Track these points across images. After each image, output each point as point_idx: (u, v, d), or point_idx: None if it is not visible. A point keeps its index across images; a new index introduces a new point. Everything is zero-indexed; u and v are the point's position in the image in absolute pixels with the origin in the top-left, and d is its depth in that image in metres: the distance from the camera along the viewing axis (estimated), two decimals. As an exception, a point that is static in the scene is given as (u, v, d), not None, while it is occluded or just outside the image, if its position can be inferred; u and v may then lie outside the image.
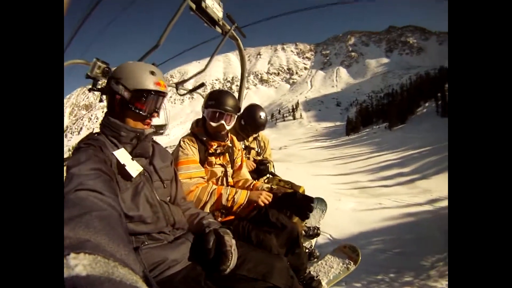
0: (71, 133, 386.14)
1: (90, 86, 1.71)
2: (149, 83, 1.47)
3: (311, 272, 2.61)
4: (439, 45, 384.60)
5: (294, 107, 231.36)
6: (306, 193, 2.90)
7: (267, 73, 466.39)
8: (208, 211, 2.06)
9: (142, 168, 1.48)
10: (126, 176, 1.40)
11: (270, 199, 2.18)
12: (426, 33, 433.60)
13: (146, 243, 1.38)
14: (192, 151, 2.25)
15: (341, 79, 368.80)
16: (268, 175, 3.60)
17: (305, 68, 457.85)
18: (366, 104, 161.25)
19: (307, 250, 3.08)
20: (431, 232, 6.28)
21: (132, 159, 1.47)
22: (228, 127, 2.34)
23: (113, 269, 0.60)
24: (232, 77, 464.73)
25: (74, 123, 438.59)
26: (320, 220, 3.77)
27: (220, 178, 2.43)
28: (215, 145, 2.35)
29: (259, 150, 3.75)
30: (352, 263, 2.79)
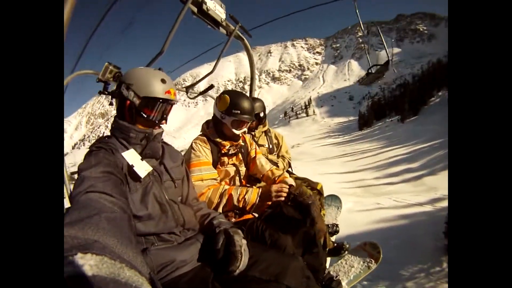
0: (89, 142, 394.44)
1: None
2: (159, 91, 1.49)
3: (331, 272, 2.58)
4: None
5: (307, 103, 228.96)
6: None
7: (279, 70, 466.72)
8: (221, 212, 2.05)
9: (151, 168, 1.48)
10: (136, 177, 1.40)
11: (285, 193, 2.11)
12: (436, 19, 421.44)
13: (156, 244, 1.38)
14: (204, 153, 2.24)
15: (353, 72, 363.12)
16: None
17: (316, 63, 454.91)
18: (378, 96, 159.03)
19: (335, 245, 2.96)
20: (421, 239, 5.91)
21: (142, 159, 1.47)
22: (245, 132, 2.45)
23: (119, 270, 0.61)
24: (244, 77, 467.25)
25: (91, 132, 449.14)
26: (336, 216, 3.74)
27: (233, 177, 2.42)
28: (227, 145, 2.34)
29: (270, 146, 3.52)
30: (373, 261, 2.72)
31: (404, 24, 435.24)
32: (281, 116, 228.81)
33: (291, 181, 2.30)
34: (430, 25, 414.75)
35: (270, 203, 2.25)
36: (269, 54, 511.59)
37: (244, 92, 2.38)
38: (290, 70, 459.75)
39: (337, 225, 3.44)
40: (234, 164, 2.43)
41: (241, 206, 2.10)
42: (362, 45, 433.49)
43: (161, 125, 1.62)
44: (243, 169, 2.51)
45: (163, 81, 1.52)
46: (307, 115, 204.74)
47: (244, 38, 3.24)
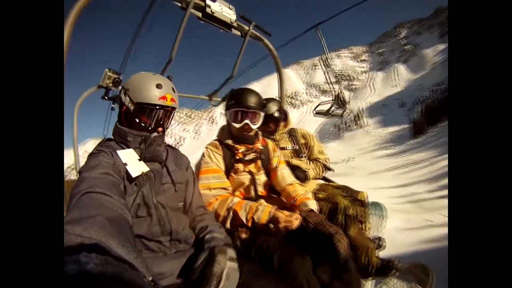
0: None
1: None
2: (153, 97, 1.44)
3: None
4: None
5: (358, 114, 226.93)
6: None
7: (326, 83, 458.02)
8: (229, 227, 1.81)
9: (148, 169, 1.43)
10: (132, 178, 1.37)
11: (295, 226, 1.67)
12: None
13: (142, 252, 1.32)
14: (215, 159, 2.05)
15: (401, 76, 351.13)
16: (315, 180, 2.92)
17: (364, 72, 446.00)
18: (430, 100, 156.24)
19: (383, 262, 2.32)
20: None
21: (140, 160, 1.46)
22: (254, 127, 2.08)
23: (123, 270, 0.62)
24: (293, 92, 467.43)
25: None
26: (381, 228, 2.99)
27: (247, 187, 2.09)
28: (241, 148, 2.09)
29: (296, 147, 2.96)
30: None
31: (444, 17, 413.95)
32: (331, 129, 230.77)
33: (313, 204, 1.99)
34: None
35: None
36: (314, 67, 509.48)
37: (249, 88, 2.16)
38: (338, 81, 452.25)
39: (380, 239, 2.75)
40: (249, 172, 2.12)
41: (250, 225, 1.79)
42: (407, 47, 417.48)
43: (164, 131, 1.59)
44: (261, 178, 2.16)
45: (158, 86, 1.47)
46: (360, 127, 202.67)
47: (264, 38, 3.06)
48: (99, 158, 1.30)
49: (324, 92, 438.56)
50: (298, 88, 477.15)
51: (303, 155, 2.96)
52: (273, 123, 2.90)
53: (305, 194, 2.12)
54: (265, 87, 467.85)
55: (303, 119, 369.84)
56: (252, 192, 2.09)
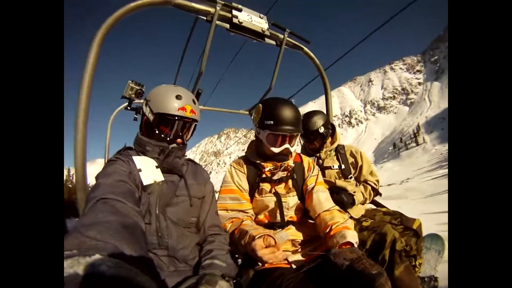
0: None
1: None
2: (172, 108, 1.45)
3: None
4: None
5: (415, 131, 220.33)
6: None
7: (383, 99, 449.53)
8: (243, 251, 1.64)
9: (162, 179, 1.44)
10: (145, 187, 1.37)
11: (278, 260, 1.46)
12: None
13: None
14: (237, 178, 1.88)
15: None
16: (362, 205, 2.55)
17: (419, 83, 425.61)
18: None
19: None
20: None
21: (157, 167, 1.47)
22: (293, 149, 1.86)
23: (135, 275, 0.62)
24: (350, 111, 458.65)
25: (205, 167, 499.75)
26: (436, 265, 2.70)
27: (273, 211, 1.83)
28: (268, 166, 1.84)
29: (343, 167, 2.60)
30: None
31: None
32: (390, 148, 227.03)
33: (353, 236, 1.54)
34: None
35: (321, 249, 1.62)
36: (370, 83, 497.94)
37: (287, 99, 1.87)
38: (394, 96, 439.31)
39: (436, 279, 2.53)
40: (276, 193, 1.84)
41: (246, 251, 1.56)
42: None
43: (178, 142, 1.56)
44: (290, 201, 1.87)
45: (178, 97, 1.48)
46: (417, 144, 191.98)
47: (303, 47, 2.85)
48: (116, 166, 1.34)
49: (380, 108, 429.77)
50: (355, 106, 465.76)
51: (351, 176, 2.61)
52: (319, 139, 2.66)
53: (344, 222, 1.68)
54: (321, 106, 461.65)
55: (360, 138, 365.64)
56: (278, 217, 1.83)
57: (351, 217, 2.31)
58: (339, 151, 2.73)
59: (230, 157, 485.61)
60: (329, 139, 2.75)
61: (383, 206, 2.68)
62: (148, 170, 1.42)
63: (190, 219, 1.54)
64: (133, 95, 1.90)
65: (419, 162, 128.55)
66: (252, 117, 2.00)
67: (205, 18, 2.18)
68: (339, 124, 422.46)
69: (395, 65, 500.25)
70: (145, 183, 1.37)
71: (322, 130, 2.59)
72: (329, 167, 2.64)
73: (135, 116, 1.81)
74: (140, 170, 1.39)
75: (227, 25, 2.29)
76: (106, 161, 2.64)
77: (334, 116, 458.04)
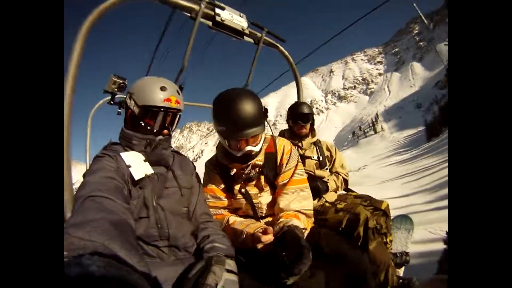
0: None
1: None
2: (157, 99, 1.45)
3: None
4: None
5: (374, 119, 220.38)
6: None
7: (344, 88, 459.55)
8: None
9: (152, 171, 1.44)
10: (136, 181, 1.38)
11: (268, 241, 1.49)
12: None
13: None
14: (212, 177, 1.90)
15: (417, 75, 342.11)
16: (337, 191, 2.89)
17: (380, 74, 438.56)
18: (445, 100, 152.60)
19: (400, 282, 2.23)
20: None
21: (145, 161, 1.47)
22: (258, 148, 1.72)
23: (126, 273, 0.62)
24: (311, 101, 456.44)
25: None
26: (407, 242, 3.10)
27: (246, 210, 1.88)
28: (235, 168, 1.83)
29: (321, 159, 2.95)
30: None
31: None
32: (350, 136, 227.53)
33: (299, 223, 1.60)
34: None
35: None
36: (331, 74, 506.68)
37: (239, 90, 1.69)
38: (354, 86, 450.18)
39: (407, 254, 2.77)
40: (245, 193, 1.84)
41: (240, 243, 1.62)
42: (421, 44, 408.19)
43: (170, 134, 1.58)
44: (263, 200, 1.86)
45: (162, 88, 1.48)
46: (375, 132, 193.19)
47: (278, 45, 2.99)
48: (102, 162, 1.33)
49: (341, 98, 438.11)
50: (316, 96, 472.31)
51: (327, 168, 3.01)
52: (309, 124, 3.02)
53: (295, 219, 1.67)
54: (283, 97, 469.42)
55: (321, 126, 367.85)
56: (253, 214, 1.87)
57: (326, 202, 2.65)
58: (317, 145, 3.10)
59: (193, 151, 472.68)
60: (311, 133, 3.09)
61: (353, 191, 3.02)
62: (137, 164, 1.43)
63: (181, 209, 1.58)
64: (116, 89, 1.87)
65: (377, 149, 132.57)
66: None
67: (189, 14, 2.25)
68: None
69: (356, 56, 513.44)
70: (136, 178, 1.39)
71: (306, 110, 2.98)
72: (310, 157, 2.97)
73: (119, 110, 1.74)
74: (129, 166, 1.39)
75: (210, 23, 2.37)
76: (88, 160, 3.09)
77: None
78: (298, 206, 1.79)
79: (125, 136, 1.54)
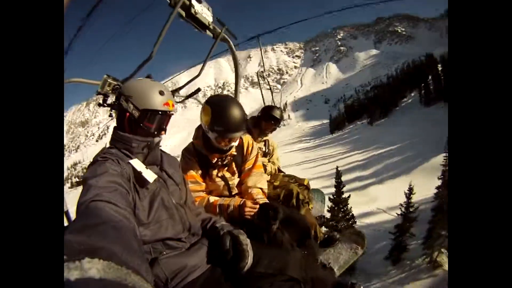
0: (69, 152, 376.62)
1: (100, 102, 1.72)
2: (158, 104, 1.50)
3: (322, 261, 2.76)
4: (428, 31, 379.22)
5: (282, 108, 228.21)
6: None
7: (259, 76, 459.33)
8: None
9: (156, 176, 1.50)
10: (143, 183, 1.44)
11: (254, 211, 2.09)
12: (414, 20, 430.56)
13: (164, 252, 1.41)
14: (191, 165, 2.21)
15: (330, 75, 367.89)
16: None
17: (295, 67, 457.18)
18: (353, 99, 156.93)
19: (326, 236, 3.19)
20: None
21: (146, 167, 1.49)
22: (236, 143, 2.23)
23: (126, 275, 0.61)
24: (223, 83, 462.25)
25: (71, 141, 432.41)
26: (323, 209, 4.10)
27: (222, 190, 2.35)
28: (215, 157, 2.24)
29: (266, 150, 3.78)
30: (359, 247, 2.95)
31: (383, 26, 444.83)
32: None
33: (262, 200, 2.28)
34: (408, 27, 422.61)
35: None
36: (248, 59, 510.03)
37: (231, 98, 2.14)
38: (269, 74, 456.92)
39: (324, 217, 3.96)
40: (223, 177, 2.33)
41: (228, 219, 2.01)
42: (341, 48, 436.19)
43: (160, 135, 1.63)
44: (235, 181, 2.41)
45: (161, 93, 1.53)
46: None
47: (230, 41, 3.22)
48: (106, 166, 1.32)
49: (253, 83, 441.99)
50: (229, 79, 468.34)
51: (268, 159, 3.78)
52: (277, 123, 3.60)
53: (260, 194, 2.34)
54: (218, 70, 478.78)
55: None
56: (227, 193, 2.36)
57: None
58: (267, 141, 3.82)
59: (98, 128, 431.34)
60: None
61: (282, 172, 3.89)
62: (145, 170, 1.49)
63: (181, 203, 1.67)
64: (110, 91, 1.81)
65: (282, 136, 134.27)
66: (200, 117, 2.17)
67: (169, 1, 2.26)
68: (211, 95, 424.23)
69: (277, 47, 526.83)
70: (151, 181, 1.46)
71: (278, 115, 3.56)
72: (259, 148, 3.56)
73: (111, 112, 1.71)
74: (141, 172, 1.45)
75: (183, 13, 2.45)
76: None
77: (208, 87, 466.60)
78: (260, 184, 2.42)
79: (122, 139, 1.54)
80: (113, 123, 1.65)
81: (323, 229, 3.73)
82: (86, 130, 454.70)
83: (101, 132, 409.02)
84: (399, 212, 22.29)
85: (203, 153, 2.23)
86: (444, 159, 22.56)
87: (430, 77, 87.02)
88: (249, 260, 1.47)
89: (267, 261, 1.58)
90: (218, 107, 2.00)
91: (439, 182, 21.05)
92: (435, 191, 21.08)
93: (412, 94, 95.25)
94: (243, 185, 2.40)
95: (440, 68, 76.80)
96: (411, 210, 21.63)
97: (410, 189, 21.60)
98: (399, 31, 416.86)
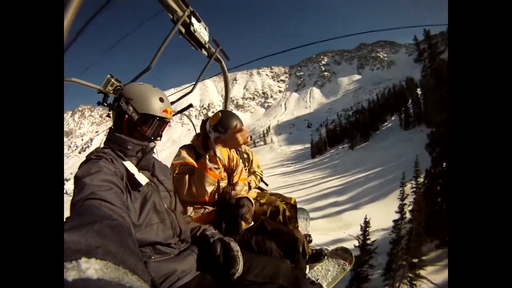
0: None
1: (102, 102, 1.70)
2: (158, 110, 1.55)
3: (311, 277, 2.84)
4: (408, 56, 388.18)
5: (265, 131, 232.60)
6: None
7: (243, 98, 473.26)
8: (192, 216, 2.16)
9: (147, 180, 1.52)
10: (136, 185, 1.44)
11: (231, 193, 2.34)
12: (396, 46, 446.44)
13: (153, 257, 1.40)
14: (191, 156, 2.36)
15: (314, 99, 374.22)
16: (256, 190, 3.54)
17: (280, 91, 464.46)
18: (334, 123, 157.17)
19: (314, 251, 3.26)
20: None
21: (139, 171, 1.51)
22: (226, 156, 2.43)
23: (123, 275, 0.61)
24: (209, 104, 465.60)
25: None
26: (307, 227, 3.97)
27: (212, 193, 2.35)
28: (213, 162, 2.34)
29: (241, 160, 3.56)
30: (347, 263, 3.05)
31: (365, 52, 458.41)
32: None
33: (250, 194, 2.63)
34: (390, 52, 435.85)
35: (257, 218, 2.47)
36: (234, 82, 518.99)
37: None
38: (253, 97, 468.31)
39: (309, 235, 3.64)
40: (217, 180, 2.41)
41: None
42: (325, 74, 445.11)
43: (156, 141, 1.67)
44: (223, 184, 2.51)
45: (161, 99, 1.58)
46: (265, 143, 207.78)
47: (222, 61, 3.26)
48: (100, 164, 1.32)
49: (238, 106, 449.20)
50: (215, 100, 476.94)
51: (246, 168, 3.36)
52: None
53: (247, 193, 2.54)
54: (203, 90, 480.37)
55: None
56: (216, 197, 2.40)
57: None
58: (238, 149, 3.40)
59: (82, 139, 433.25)
60: None
61: (266, 190, 3.68)
62: (137, 173, 1.50)
63: (172, 208, 1.70)
64: (111, 91, 1.78)
65: (264, 159, 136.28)
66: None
67: (171, 16, 2.29)
68: (195, 115, 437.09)
69: (262, 71, 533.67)
70: (144, 183, 1.48)
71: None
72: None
73: (109, 112, 1.73)
74: (133, 174, 1.46)
75: (183, 30, 2.46)
76: None
77: (193, 107, 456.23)
78: (245, 192, 2.58)
79: (119, 141, 1.55)
80: (102, 134, 1.56)
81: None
82: (70, 141, 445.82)
83: (85, 144, 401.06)
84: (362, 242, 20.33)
85: (201, 153, 2.39)
86: (400, 192, 20.48)
87: (410, 101, 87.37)
88: (240, 267, 1.48)
89: (258, 270, 1.59)
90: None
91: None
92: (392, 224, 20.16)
93: (393, 118, 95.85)
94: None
95: (419, 92, 76.86)
96: (367, 242, 20.36)
97: (366, 222, 20.26)
98: (381, 56, 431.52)
